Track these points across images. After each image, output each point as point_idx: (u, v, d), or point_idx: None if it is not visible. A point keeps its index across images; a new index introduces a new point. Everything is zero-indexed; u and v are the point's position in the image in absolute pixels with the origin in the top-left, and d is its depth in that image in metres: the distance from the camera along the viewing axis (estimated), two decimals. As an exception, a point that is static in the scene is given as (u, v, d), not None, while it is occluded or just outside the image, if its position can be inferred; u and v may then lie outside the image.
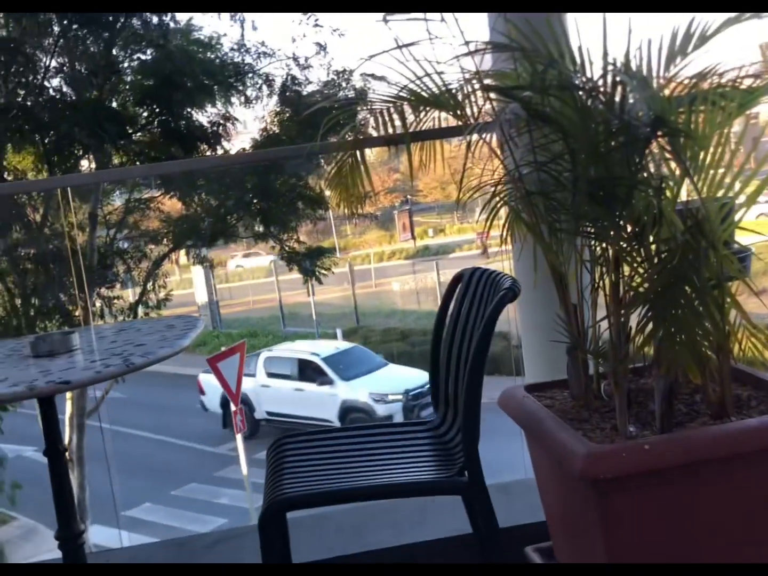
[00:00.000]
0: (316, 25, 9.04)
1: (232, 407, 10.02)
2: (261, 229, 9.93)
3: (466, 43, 2.04)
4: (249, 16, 9.54)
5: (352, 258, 22.44)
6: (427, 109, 2.35)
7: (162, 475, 13.36)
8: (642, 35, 2.13)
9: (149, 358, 1.85)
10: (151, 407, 15.40)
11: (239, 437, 10.11)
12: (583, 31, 2.36)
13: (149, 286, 10.44)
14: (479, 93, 2.18)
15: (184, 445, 14.45)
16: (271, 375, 14.45)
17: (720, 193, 2.08)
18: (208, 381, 13.58)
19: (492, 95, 2.17)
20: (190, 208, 10.37)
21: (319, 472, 2.03)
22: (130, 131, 9.79)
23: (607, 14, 2.09)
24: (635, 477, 1.78)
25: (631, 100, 1.98)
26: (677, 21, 2.15)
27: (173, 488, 12.86)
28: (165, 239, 10.57)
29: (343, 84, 9.16)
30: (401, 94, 2.28)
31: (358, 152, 2.49)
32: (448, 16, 2.06)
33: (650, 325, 1.93)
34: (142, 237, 10.60)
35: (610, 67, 1.94)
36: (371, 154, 2.54)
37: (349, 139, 2.50)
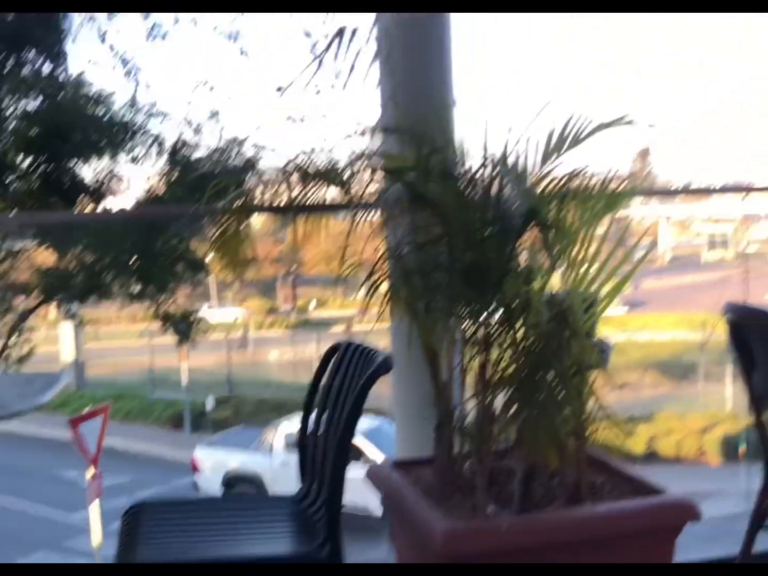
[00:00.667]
0: (211, 91, 9.10)
1: (89, 472, 9.49)
2: (137, 288, 9.68)
3: (355, 123, 2.11)
4: (143, 76, 9.49)
5: (231, 325, 22.10)
6: (315, 183, 2.39)
7: (9, 541, 12.49)
8: (526, 130, 2.26)
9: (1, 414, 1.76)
10: (3, 469, 14.47)
11: (95, 504, 9.58)
12: (469, 121, 2.49)
13: (12, 340, 9.92)
14: (366, 172, 2.24)
15: (35, 510, 13.59)
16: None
17: (586, 287, 2.20)
18: (207, 457, 12.46)
19: (378, 175, 2.23)
20: (63, 261, 10.02)
21: (173, 544, 1.96)
22: (8, 179, 9.45)
23: (489, 109, 2.22)
24: (491, 557, 1.81)
25: (507, 192, 2.09)
26: (555, 122, 2.30)
27: (20, 556, 12.02)
28: (34, 292, 10.13)
29: (234, 151, 9.19)
30: (289, 167, 2.32)
31: (243, 219, 2.50)
32: (339, 95, 2.13)
33: (514, 408, 2.00)
34: (10, 289, 10.13)
35: (489, 159, 2.04)
36: (258, 222, 2.55)
37: (236, 204, 2.51)
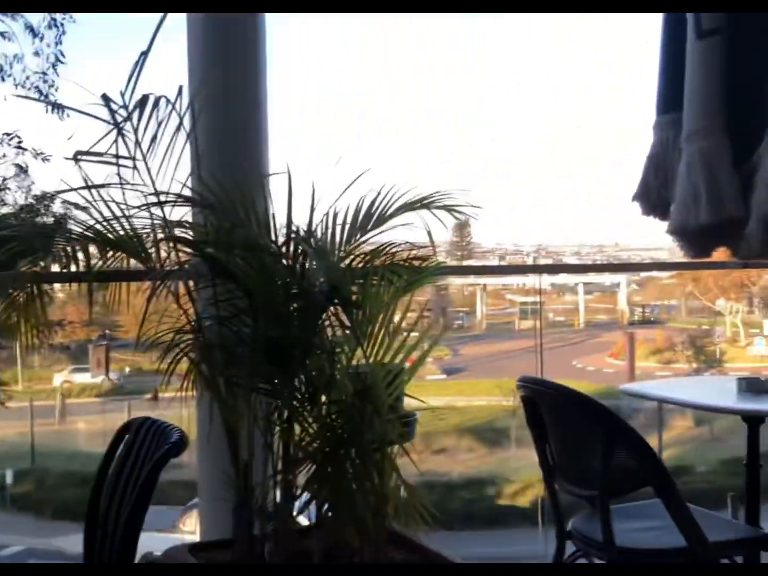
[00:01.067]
0: (18, 147, 8.64)
1: None
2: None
3: (157, 193, 2.05)
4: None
5: (37, 392, 20.73)
6: (114, 250, 2.30)
7: None
8: (335, 204, 2.29)
9: None
10: None
11: None
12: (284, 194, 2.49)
13: None
14: (168, 242, 2.18)
15: None
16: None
17: (389, 360, 2.23)
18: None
19: (180, 246, 2.18)
20: None
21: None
22: None
23: (294, 182, 2.23)
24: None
25: (312, 268, 2.10)
26: (363, 196, 2.35)
27: None
28: None
29: (42, 209, 8.74)
30: (87, 233, 2.22)
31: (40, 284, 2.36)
32: (141, 165, 2.07)
33: (315, 486, 1.97)
34: None
35: (293, 234, 2.05)
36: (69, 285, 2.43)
37: (30, 271, 2.36)
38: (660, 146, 1.67)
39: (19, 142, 8.64)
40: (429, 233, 2.32)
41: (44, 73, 8.58)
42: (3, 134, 8.57)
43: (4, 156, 8.71)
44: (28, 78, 8.68)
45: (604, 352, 30.00)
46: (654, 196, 1.68)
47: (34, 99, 8.40)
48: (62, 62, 8.79)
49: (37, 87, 8.58)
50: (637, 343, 27.47)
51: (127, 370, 23.71)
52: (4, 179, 8.77)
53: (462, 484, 16.96)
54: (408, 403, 2.31)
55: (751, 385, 2.67)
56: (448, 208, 2.33)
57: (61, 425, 19.89)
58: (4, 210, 8.86)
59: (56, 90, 8.73)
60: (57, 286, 2.78)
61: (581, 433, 2.39)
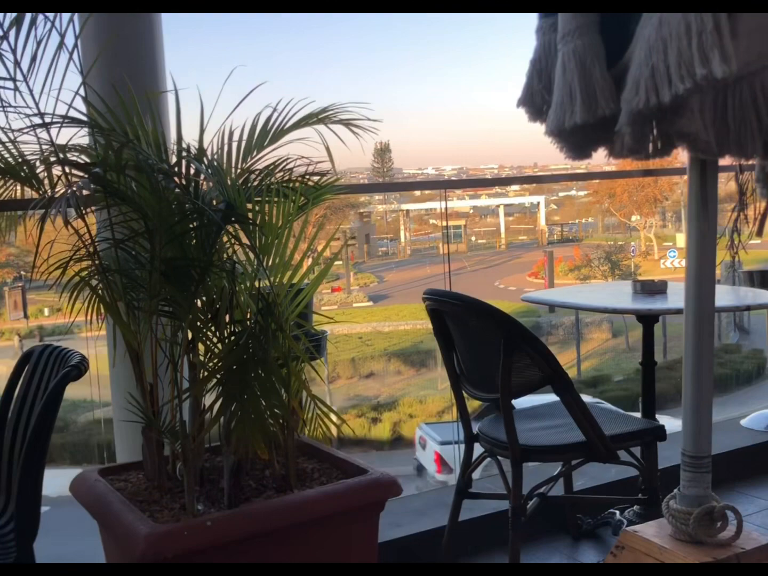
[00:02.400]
0: None
1: None
2: None
3: (41, 114, 1.98)
4: None
5: (-48, 338, 20.13)
6: (6, 179, 2.23)
7: None
8: (227, 120, 2.24)
9: None
10: None
11: None
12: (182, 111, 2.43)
13: None
14: (57, 167, 2.12)
15: None
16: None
17: (290, 279, 2.24)
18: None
19: (71, 170, 2.12)
20: None
21: None
22: None
23: (189, 98, 2.18)
24: (198, 554, 1.79)
25: (205, 187, 2.07)
26: (259, 112, 2.31)
27: None
28: None
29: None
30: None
31: None
32: (23, 87, 1.99)
33: (220, 403, 1.99)
34: None
35: (184, 153, 2.01)
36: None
37: None
38: (542, 50, 1.69)
39: None
40: (327, 148, 2.32)
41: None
42: None
43: None
44: None
45: (526, 271, 30.73)
46: (538, 99, 1.70)
47: None
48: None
49: None
50: (555, 261, 28.22)
51: (46, 311, 23.18)
52: None
53: (390, 406, 17.34)
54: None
55: (645, 287, 2.79)
56: (345, 122, 2.32)
57: (-20, 371, 19.41)
58: None
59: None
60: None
61: (483, 340, 2.46)
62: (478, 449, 2.64)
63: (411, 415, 16.52)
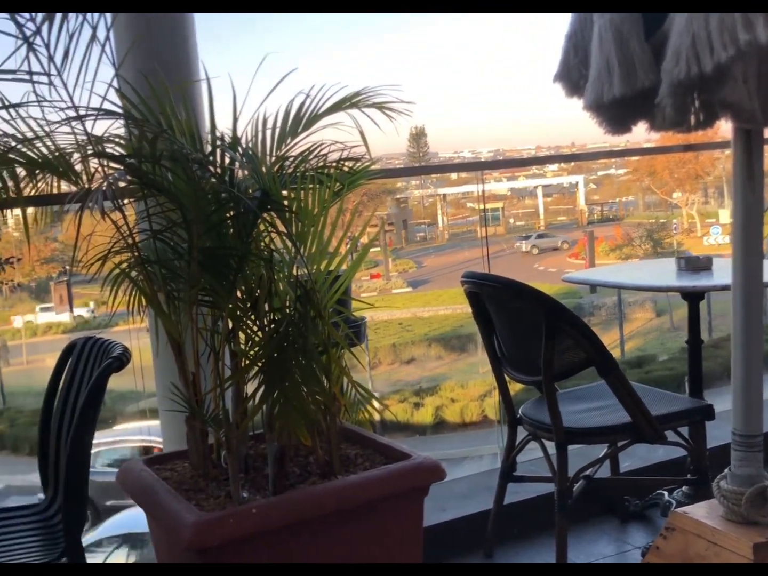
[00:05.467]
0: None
1: None
2: None
3: (75, 107, 1.99)
4: None
5: (0, 333, 20.56)
6: (41, 172, 2.25)
7: None
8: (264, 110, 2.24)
9: None
10: None
11: None
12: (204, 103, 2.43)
13: None
14: (94, 159, 2.13)
15: None
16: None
17: (327, 266, 2.23)
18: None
19: (107, 162, 2.13)
20: None
21: None
22: None
23: (222, 86, 2.18)
24: (244, 542, 1.80)
25: (241, 175, 2.07)
26: (292, 99, 2.30)
27: None
28: None
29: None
30: (11, 156, 2.16)
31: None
32: (57, 81, 2.00)
33: (262, 391, 1.99)
34: None
35: (218, 142, 2.01)
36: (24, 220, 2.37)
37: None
38: (578, 24, 1.65)
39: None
40: (361, 133, 2.29)
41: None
42: None
43: None
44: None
45: (565, 252, 30.41)
46: (575, 74, 1.66)
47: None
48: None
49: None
50: (596, 241, 27.87)
51: (92, 304, 23.55)
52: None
53: (432, 391, 17.34)
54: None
55: (690, 263, 2.73)
56: (379, 106, 2.30)
57: (30, 364, 19.82)
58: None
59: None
60: (10, 224, 2.71)
61: (524, 322, 2.43)
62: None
63: (453, 400, 16.51)
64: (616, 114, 1.56)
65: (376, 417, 2.36)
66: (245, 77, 2.27)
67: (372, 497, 1.93)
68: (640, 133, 1.72)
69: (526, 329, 2.45)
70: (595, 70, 1.50)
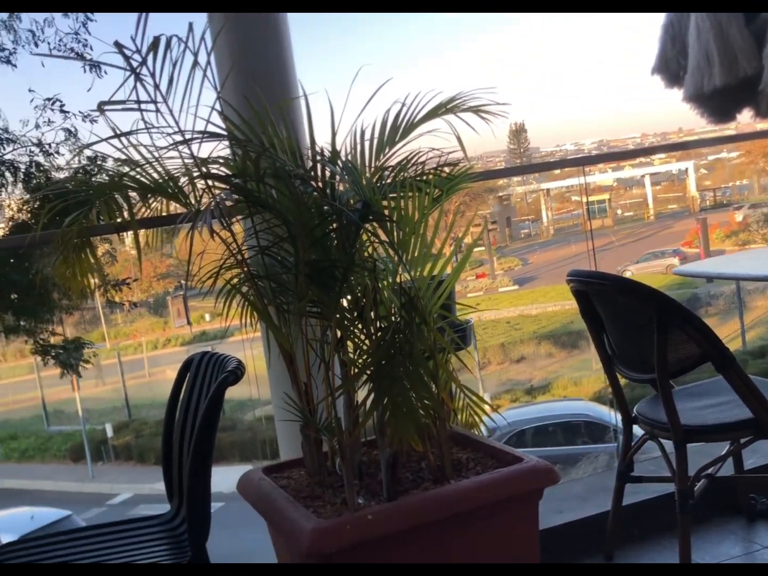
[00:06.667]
0: (63, 111, 8.76)
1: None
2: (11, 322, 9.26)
3: (181, 132, 2.08)
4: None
5: (123, 348, 21.52)
6: (152, 196, 2.35)
7: None
8: (357, 121, 2.28)
9: None
10: None
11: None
12: (302, 121, 2.49)
13: None
14: (201, 180, 2.22)
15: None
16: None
17: (430, 271, 2.24)
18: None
19: (214, 182, 2.21)
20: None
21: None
22: None
23: (320, 102, 2.23)
24: (362, 547, 1.83)
25: (341, 188, 2.11)
26: (388, 108, 2.33)
27: None
28: None
29: (95, 169, 8.90)
30: (124, 181, 2.27)
31: (84, 241, 2.43)
32: (163, 107, 2.09)
33: (372, 398, 2.02)
34: None
35: (318, 157, 2.05)
36: (141, 238, 2.48)
37: (74, 227, 2.43)
38: (674, 14, 1.61)
39: (62, 105, 8.77)
40: (458, 138, 2.30)
41: (76, 33, 8.65)
42: (44, 100, 8.71)
43: (50, 122, 8.85)
44: (61, 40, 8.76)
45: (678, 241, 29.41)
46: (673, 65, 1.62)
47: (66, 57, 8.49)
48: (92, 20, 8.84)
49: (71, 48, 8.67)
50: (710, 228, 26.84)
51: (207, 316, 24.36)
52: (56, 144, 8.93)
53: (544, 389, 17.09)
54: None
55: (810, 250, 2.60)
56: (474, 110, 2.30)
57: (152, 377, 20.67)
58: (61, 175, 9.06)
59: (90, 49, 8.80)
60: (128, 243, 2.84)
61: (634, 318, 2.38)
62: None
63: (566, 398, 16.24)
64: (718, 104, 1.51)
65: (486, 420, 2.35)
66: (341, 91, 2.32)
67: (486, 502, 1.93)
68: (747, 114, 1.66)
69: (636, 326, 2.39)
70: (694, 61, 1.46)
